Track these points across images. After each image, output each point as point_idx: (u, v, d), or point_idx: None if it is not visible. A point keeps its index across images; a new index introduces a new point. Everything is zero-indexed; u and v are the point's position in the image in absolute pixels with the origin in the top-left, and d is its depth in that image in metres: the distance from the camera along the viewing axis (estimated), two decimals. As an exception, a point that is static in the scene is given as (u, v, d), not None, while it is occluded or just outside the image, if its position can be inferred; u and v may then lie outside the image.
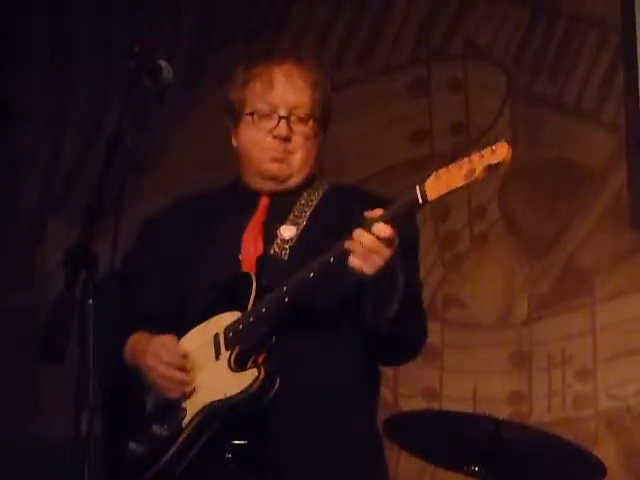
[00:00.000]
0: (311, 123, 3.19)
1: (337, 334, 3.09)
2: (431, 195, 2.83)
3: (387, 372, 4.67)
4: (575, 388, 4.62)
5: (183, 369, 3.08)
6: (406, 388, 4.83)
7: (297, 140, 3.18)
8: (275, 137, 3.16)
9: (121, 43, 5.20)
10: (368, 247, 2.83)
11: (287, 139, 3.16)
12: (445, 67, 5.14)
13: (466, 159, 2.84)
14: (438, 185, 2.85)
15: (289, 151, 3.19)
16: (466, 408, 4.38)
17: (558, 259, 4.76)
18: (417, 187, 2.84)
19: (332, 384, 3.07)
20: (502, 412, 4.24)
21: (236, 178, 3.28)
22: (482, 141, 4.86)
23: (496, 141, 2.82)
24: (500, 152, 2.83)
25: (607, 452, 3.96)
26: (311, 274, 2.97)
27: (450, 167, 2.85)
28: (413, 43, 5.13)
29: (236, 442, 3.00)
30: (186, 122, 5.34)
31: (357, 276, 2.89)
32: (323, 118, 3.25)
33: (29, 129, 5.55)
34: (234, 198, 3.26)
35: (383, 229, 2.83)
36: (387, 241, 2.83)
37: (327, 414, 3.04)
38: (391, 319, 2.99)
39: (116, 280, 3.27)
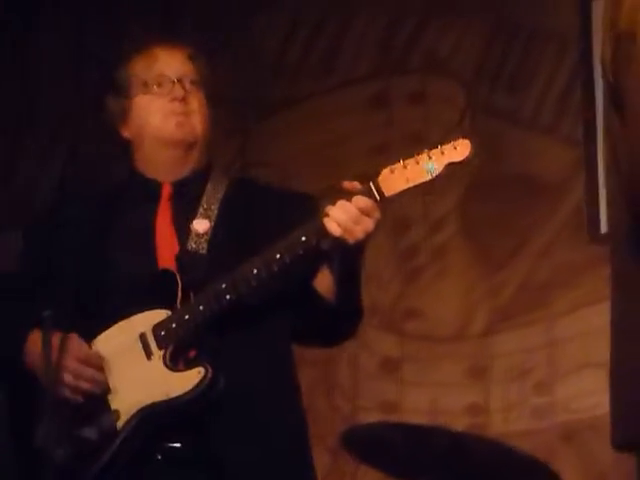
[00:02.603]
0: (202, 92, 3.27)
1: (269, 328, 3.13)
2: (388, 191, 2.91)
3: (346, 384, 4.78)
4: (533, 401, 4.61)
5: (96, 367, 3.08)
6: (365, 400, 4.83)
7: (193, 103, 3.23)
8: (173, 99, 3.20)
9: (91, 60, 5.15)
10: (351, 217, 2.90)
11: (184, 100, 3.22)
12: (405, 80, 5.13)
13: (424, 154, 2.89)
14: (395, 180, 2.92)
15: (189, 112, 3.23)
16: (425, 420, 4.42)
17: (516, 272, 4.76)
18: (371, 182, 2.91)
19: (264, 381, 3.10)
20: (460, 424, 4.38)
21: (131, 170, 3.30)
22: None
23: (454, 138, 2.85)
24: (462, 150, 2.91)
25: (564, 465, 3.97)
26: (254, 271, 2.99)
27: (405, 162, 2.90)
28: (373, 56, 5.16)
29: (169, 445, 3.02)
30: None
31: (336, 246, 2.94)
32: (209, 93, 3.31)
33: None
34: (135, 190, 3.29)
35: (365, 201, 2.90)
36: (368, 212, 2.90)
37: (260, 412, 3.08)
38: (356, 295, 3.12)
39: (11, 280, 3.34)
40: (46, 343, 2.97)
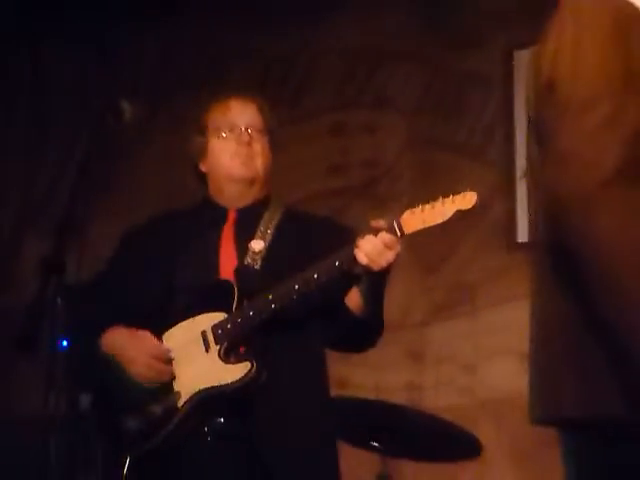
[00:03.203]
0: (266, 137, 3.30)
1: (304, 334, 3.16)
2: (407, 229, 2.97)
3: None
4: (459, 380, 4.63)
5: (165, 361, 3.14)
6: None
7: (257, 147, 3.25)
8: (239, 144, 3.23)
9: (94, 80, 5.13)
10: (377, 250, 2.94)
11: (249, 144, 3.24)
12: (359, 114, 5.13)
13: (439, 202, 2.97)
14: (414, 221, 2.98)
15: (252, 155, 3.26)
16: (370, 395, 4.37)
17: (447, 274, 4.80)
18: (394, 222, 2.97)
19: (300, 378, 3.14)
20: (399, 398, 4.29)
21: (205, 198, 3.33)
22: (389, 175, 5.01)
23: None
24: (470, 200, 2.99)
25: (484, 433, 3.94)
26: (296, 286, 3.04)
27: (423, 207, 2.97)
28: (334, 93, 5.16)
29: (215, 420, 3.07)
30: (149, 148, 5.26)
31: (364, 272, 3.00)
32: (272, 138, 3.33)
33: (8, 161, 5.52)
34: (206, 214, 3.31)
35: (389, 237, 2.95)
36: (391, 246, 2.94)
37: (294, 403, 3.11)
38: (379, 311, 3.16)
39: (94, 281, 3.36)
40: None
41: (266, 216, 3.28)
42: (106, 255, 3.52)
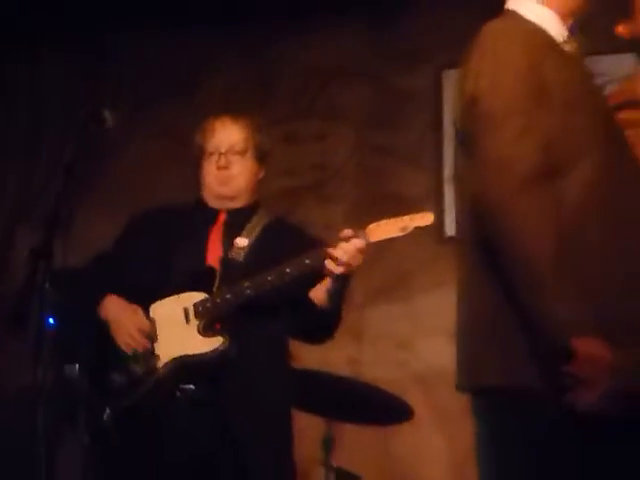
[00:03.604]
0: (248, 155, 3.31)
1: (273, 320, 3.20)
2: (373, 238, 3.04)
3: None
4: (394, 356, 4.66)
5: (147, 335, 3.16)
6: None
7: (235, 169, 3.28)
8: (218, 168, 3.26)
9: (82, 91, 4.99)
10: (349, 254, 3.00)
11: (227, 168, 3.26)
12: (312, 123, 5.11)
13: (401, 218, 3.06)
14: (378, 232, 3.06)
15: (230, 177, 3.29)
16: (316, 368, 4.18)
17: (385, 263, 4.71)
18: (364, 231, 3.04)
19: (265, 353, 3.18)
20: (342, 371, 4.30)
21: (199, 198, 3.36)
22: (336, 178, 5.01)
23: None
24: (427, 219, 3.09)
25: (415, 401, 3.97)
26: (269, 278, 3.07)
27: (387, 221, 3.06)
28: (290, 104, 5.13)
29: (187, 386, 3.10)
30: (126, 153, 5.16)
31: (332, 272, 3.03)
32: (258, 153, 3.35)
33: (7, 160, 5.37)
34: (199, 213, 3.34)
35: (360, 242, 3.01)
36: (362, 251, 3.02)
37: (259, 374, 3.14)
38: (340, 306, 3.22)
39: (100, 257, 3.39)
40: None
41: (254, 219, 3.32)
42: (89, 243, 3.51)
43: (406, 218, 3.06)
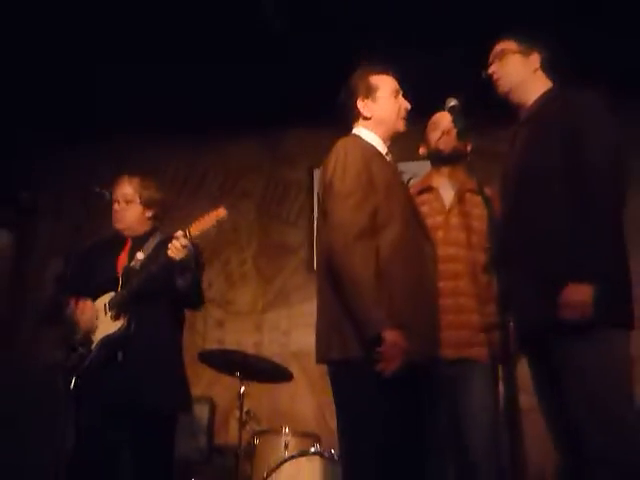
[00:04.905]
0: (134, 203, 3.12)
1: (158, 301, 2.99)
2: (193, 233, 2.79)
3: (201, 331, 4.70)
4: (280, 340, 4.65)
5: (95, 319, 3.02)
6: (209, 342, 4.71)
7: (126, 211, 3.12)
8: (114, 210, 3.14)
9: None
10: (183, 244, 2.80)
11: (117, 211, 3.12)
12: (225, 203, 4.34)
13: (206, 215, 2.80)
14: (194, 228, 2.80)
15: (122, 216, 3.12)
16: (234, 348, 4.21)
17: (277, 283, 4.76)
18: (186, 230, 2.81)
19: (155, 326, 2.98)
20: (250, 350, 4.27)
21: (115, 231, 3.19)
22: (246, 232, 4.88)
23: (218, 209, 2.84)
24: (222, 211, 2.81)
25: (294, 369, 3.90)
26: (142, 274, 2.94)
27: (199, 220, 2.80)
28: (218, 186, 4.97)
29: (113, 355, 2.94)
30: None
31: (174, 260, 2.83)
32: (143, 201, 3.13)
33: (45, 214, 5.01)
34: (115, 241, 3.16)
35: (182, 240, 2.79)
36: (186, 244, 2.80)
37: (150, 340, 2.94)
38: (194, 287, 2.99)
39: (63, 276, 3.21)
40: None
41: (150, 239, 3.11)
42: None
43: (210, 214, 2.80)
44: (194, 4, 3.71)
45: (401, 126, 2.55)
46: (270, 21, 3.64)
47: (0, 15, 3.69)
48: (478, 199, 2.76)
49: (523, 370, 2.44)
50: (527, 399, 2.39)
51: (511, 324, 2.31)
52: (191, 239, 2.78)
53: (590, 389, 2.17)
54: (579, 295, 2.17)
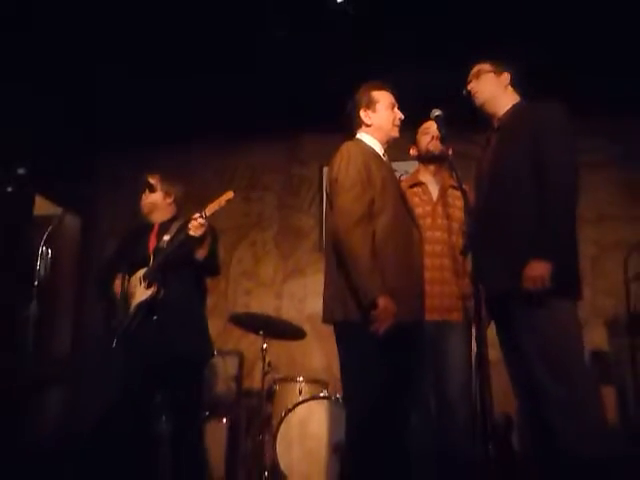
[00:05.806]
0: (158, 192, 3.06)
1: (182, 271, 2.92)
2: (208, 213, 2.73)
3: (225, 304, 4.58)
4: (297, 306, 4.59)
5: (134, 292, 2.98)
6: (237, 307, 4.62)
7: (157, 199, 3.07)
8: (145, 200, 3.08)
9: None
10: (200, 223, 2.73)
11: (151, 200, 3.07)
12: (254, 193, 4.80)
13: (217, 198, 2.72)
14: (208, 209, 2.73)
15: (152, 204, 3.06)
16: (259, 311, 4.04)
17: (292, 261, 4.68)
18: (203, 211, 2.75)
19: (181, 293, 2.91)
20: (272, 313, 4.28)
21: (145, 218, 3.12)
22: (260, 225, 4.79)
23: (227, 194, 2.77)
24: (229, 194, 2.74)
25: (307, 329, 3.81)
26: (167, 249, 2.89)
27: (213, 201, 2.73)
28: (248, 181, 4.87)
29: (148, 314, 2.90)
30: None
31: (194, 237, 2.77)
32: (164, 191, 3.07)
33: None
34: (146, 226, 3.10)
35: (201, 218, 2.73)
36: (203, 223, 2.74)
37: (179, 306, 2.89)
38: (212, 258, 2.91)
39: (113, 251, 3.15)
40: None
41: (174, 224, 3.02)
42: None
43: (221, 196, 2.72)
44: (224, 18, 3.58)
45: (396, 133, 2.55)
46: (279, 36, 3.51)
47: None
48: (458, 193, 2.80)
49: (491, 331, 2.47)
50: (495, 354, 2.41)
51: (482, 294, 2.33)
52: (206, 218, 2.74)
53: (546, 346, 2.19)
54: (539, 270, 2.18)
